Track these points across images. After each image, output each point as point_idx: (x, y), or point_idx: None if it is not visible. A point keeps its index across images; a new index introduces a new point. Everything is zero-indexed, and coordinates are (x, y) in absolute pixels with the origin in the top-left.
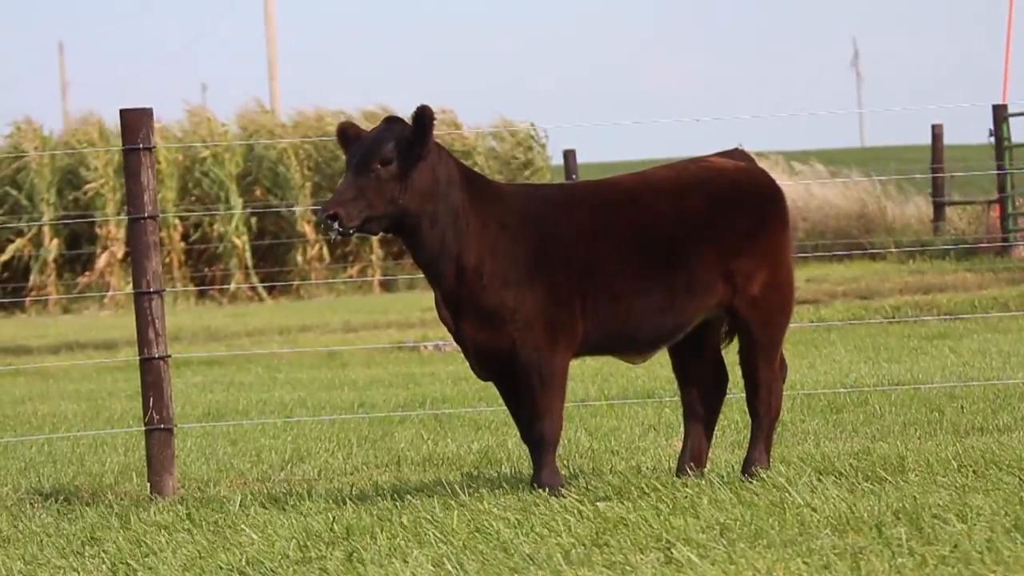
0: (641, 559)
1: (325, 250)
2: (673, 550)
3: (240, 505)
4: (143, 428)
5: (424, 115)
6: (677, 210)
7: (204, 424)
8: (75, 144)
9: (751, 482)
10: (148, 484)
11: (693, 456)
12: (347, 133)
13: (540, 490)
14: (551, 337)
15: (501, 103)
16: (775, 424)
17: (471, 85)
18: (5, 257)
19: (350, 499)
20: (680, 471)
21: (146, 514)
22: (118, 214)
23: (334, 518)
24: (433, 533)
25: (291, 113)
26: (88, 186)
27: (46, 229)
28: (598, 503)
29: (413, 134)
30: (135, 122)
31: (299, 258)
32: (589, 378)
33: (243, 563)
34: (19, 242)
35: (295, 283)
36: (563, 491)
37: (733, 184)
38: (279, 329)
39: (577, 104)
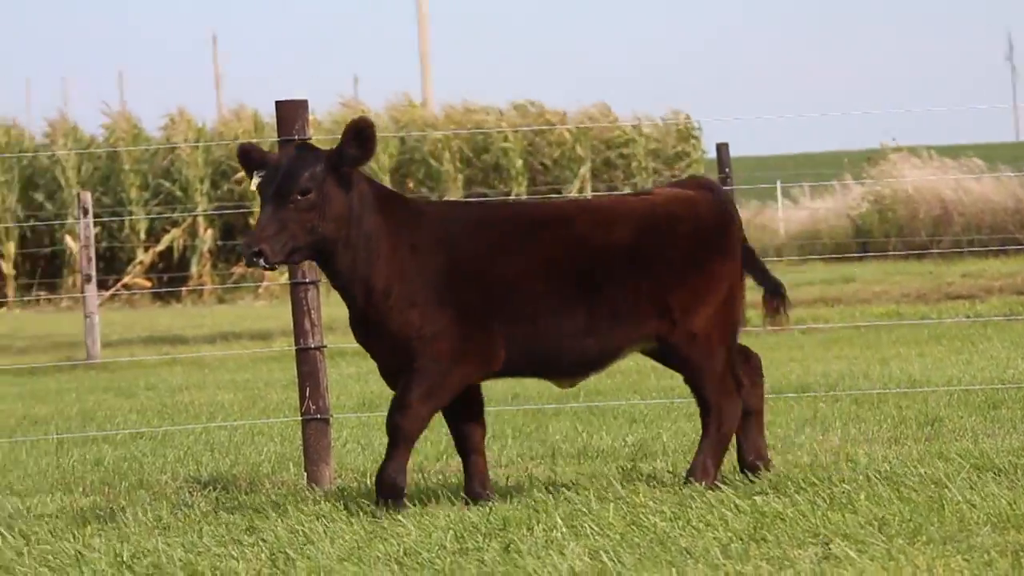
0: (799, 554)
1: None
2: (831, 545)
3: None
4: (299, 418)
5: (365, 128)
6: (603, 237)
7: (360, 414)
8: (229, 136)
9: (685, 490)
10: (305, 474)
11: (753, 451)
12: (250, 156)
13: (379, 483)
14: (457, 353)
15: (656, 95)
16: (723, 441)
17: (625, 76)
18: (161, 247)
19: (506, 491)
20: (744, 469)
21: (303, 504)
22: None
23: (490, 510)
24: (589, 526)
25: (443, 106)
26: (241, 176)
27: (200, 220)
28: (755, 498)
29: (344, 149)
30: (290, 114)
31: None
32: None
33: (400, 553)
34: (174, 232)
35: None
36: (401, 501)
37: (668, 216)
38: None
39: (731, 97)
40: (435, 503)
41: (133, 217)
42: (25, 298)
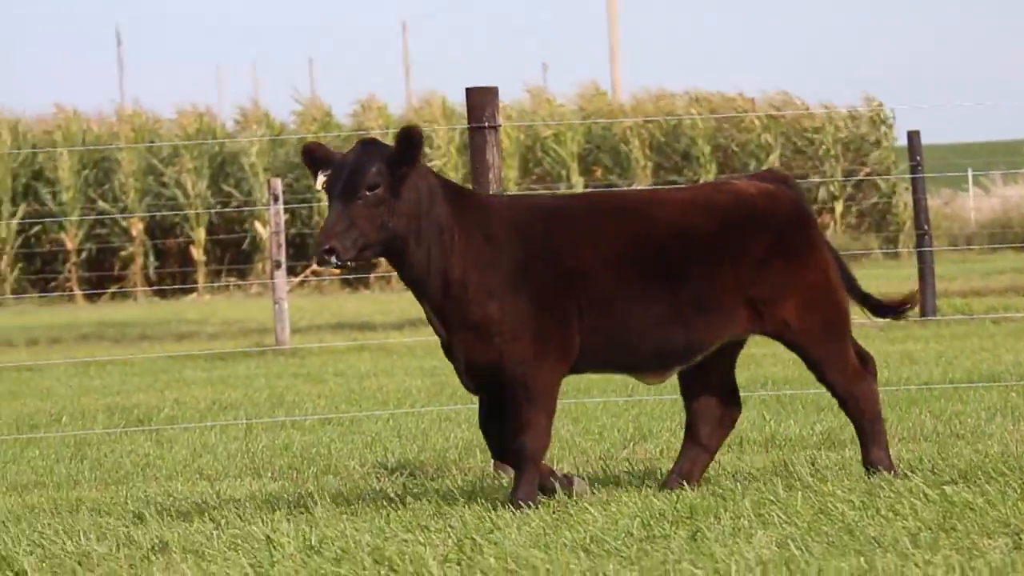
0: (989, 544)
1: None
2: (1022, 536)
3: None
4: None
5: (413, 135)
6: (682, 226)
7: None
8: (418, 122)
9: (873, 479)
10: (491, 460)
11: (683, 475)
12: (314, 155)
13: (513, 508)
14: (538, 350)
15: (845, 81)
16: (879, 422)
17: (812, 63)
18: None
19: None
20: (667, 484)
21: (490, 489)
22: None
23: (677, 497)
24: (777, 514)
25: (632, 94)
26: (431, 164)
27: None
28: (944, 487)
29: (401, 154)
30: (480, 101)
31: None
32: (932, 361)
33: (587, 540)
34: None
35: None
36: (532, 509)
37: (748, 210)
38: None
39: (922, 85)
40: (621, 490)
41: (323, 203)
42: (215, 284)
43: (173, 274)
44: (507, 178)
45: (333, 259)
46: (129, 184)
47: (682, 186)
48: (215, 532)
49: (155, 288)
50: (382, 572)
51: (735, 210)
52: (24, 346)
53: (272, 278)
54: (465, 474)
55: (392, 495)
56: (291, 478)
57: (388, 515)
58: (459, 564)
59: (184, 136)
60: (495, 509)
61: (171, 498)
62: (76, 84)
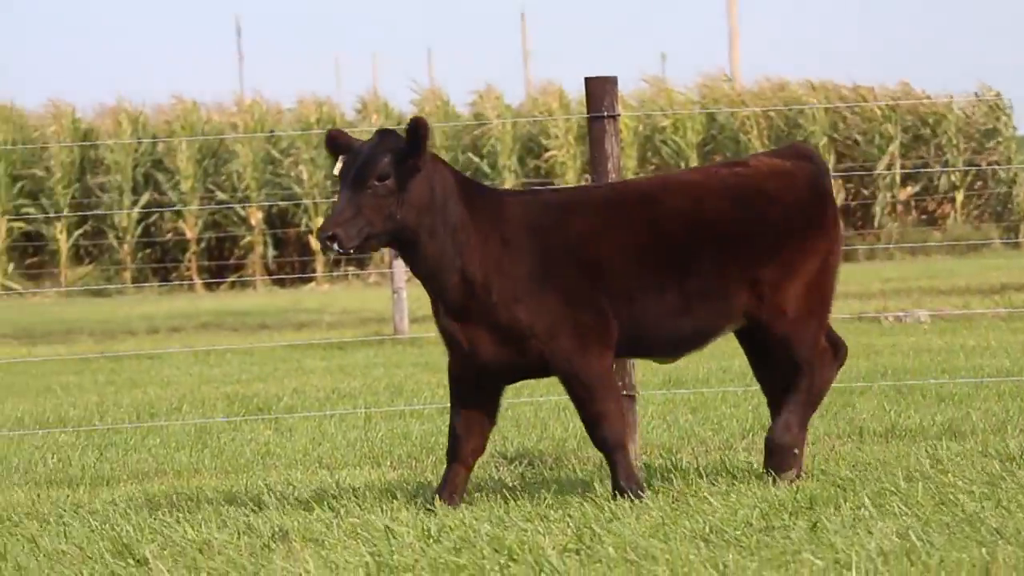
0: None
1: None
2: None
3: (703, 473)
4: None
5: (419, 127)
6: (693, 212)
7: (665, 391)
8: (536, 112)
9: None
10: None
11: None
12: (337, 141)
13: (622, 494)
14: (580, 343)
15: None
16: (810, 409)
17: (930, 53)
18: None
19: (812, 469)
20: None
21: (609, 479)
22: (578, 181)
23: (797, 488)
24: (897, 505)
25: (751, 83)
26: (549, 154)
27: None
28: None
29: (408, 146)
30: (599, 90)
31: None
32: None
33: (706, 530)
34: None
35: None
36: (642, 493)
37: (761, 190)
38: None
39: None
40: (741, 480)
41: None
42: (334, 273)
43: (292, 263)
44: (625, 168)
45: (335, 246)
46: (248, 174)
47: (695, 167)
48: (335, 521)
49: (274, 277)
50: (501, 561)
51: (745, 191)
52: (145, 335)
53: (391, 267)
54: (584, 464)
55: (511, 484)
56: (410, 467)
57: (507, 504)
58: (578, 554)
59: (304, 126)
60: (614, 499)
61: (291, 487)
62: (196, 75)
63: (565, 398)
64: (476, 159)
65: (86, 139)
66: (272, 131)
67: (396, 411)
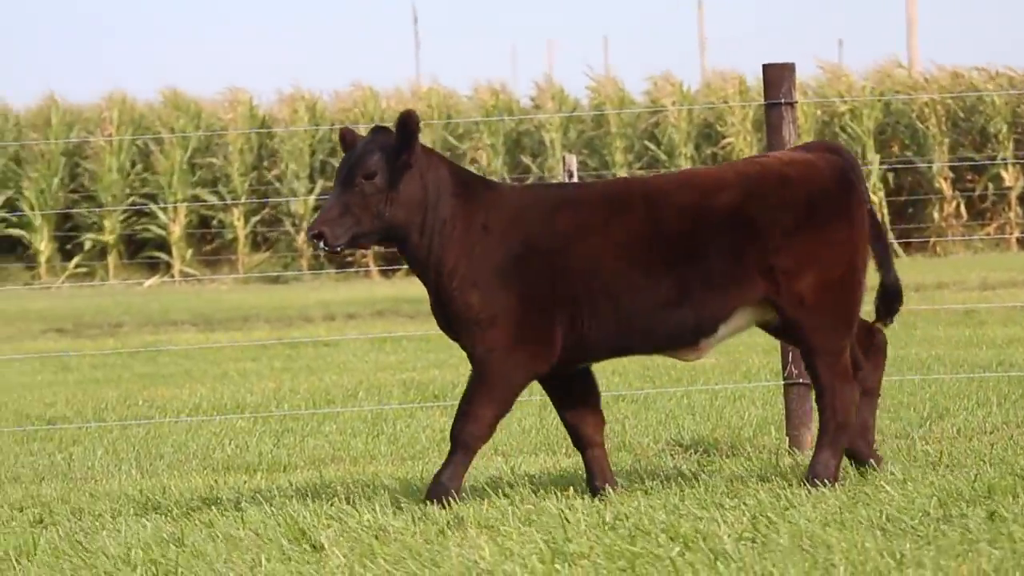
0: None
1: (963, 207)
2: None
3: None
4: (781, 382)
5: (408, 122)
6: (701, 206)
7: None
8: (713, 99)
9: (813, 488)
10: (787, 438)
11: (862, 435)
12: (345, 139)
13: (431, 495)
14: (512, 341)
15: None
16: (842, 432)
17: None
18: None
19: (991, 458)
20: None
21: (785, 468)
22: None
23: (975, 477)
24: None
25: (929, 69)
26: (725, 141)
27: None
28: None
29: (398, 143)
30: (777, 77)
31: (935, 215)
32: None
33: (883, 519)
34: None
35: (931, 239)
36: (454, 499)
37: (778, 179)
38: (915, 286)
39: None
40: (918, 469)
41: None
42: None
43: None
44: None
45: (322, 244)
46: None
47: (715, 166)
48: (510, 508)
49: None
50: (676, 550)
51: (762, 180)
52: (321, 321)
53: None
54: (759, 452)
55: (686, 472)
56: None
57: (683, 492)
58: (753, 542)
59: (480, 112)
60: (790, 487)
61: (466, 473)
62: (373, 62)
63: (741, 385)
64: (652, 147)
65: (263, 127)
66: (449, 117)
67: None
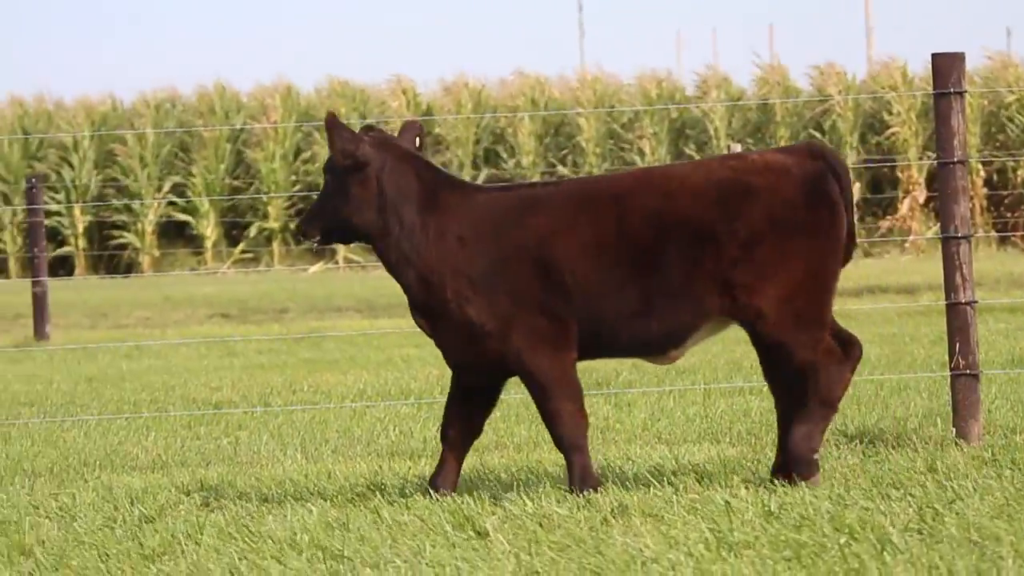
0: None
1: None
2: None
3: None
4: (948, 373)
5: (326, 124)
6: (662, 210)
7: (1009, 371)
8: (878, 88)
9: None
10: (953, 429)
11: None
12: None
13: (578, 495)
14: (530, 342)
15: None
16: (828, 412)
17: None
18: None
19: None
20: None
21: (951, 459)
22: (920, 159)
23: None
24: None
25: None
26: (890, 131)
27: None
28: None
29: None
30: (946, 67)
31: None
32: None
33: None
34: None
35: None
36: (597, 491)
37: (742, 188)
38: None
39: None
40: None
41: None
42: None
43: None
44: (969, 145)
45: (301, 238)
46: (589, 149)
47: (685, 162)
48: (674, 496)
49: None
50: (842, 540)
51: (725, 188)
52: None
53: None
54: (925, 443)
55: (851, 462)
56: (749, 444)
57: (848, 483)
58: (920, 533)
59: (644, 101)
60: (956, 479)
61: (629, 461)
62: (538, 50)
63: (907, 376)
64: (818, 135)
65: (427, 115)
66: (613, 106)
67: (735, 387)
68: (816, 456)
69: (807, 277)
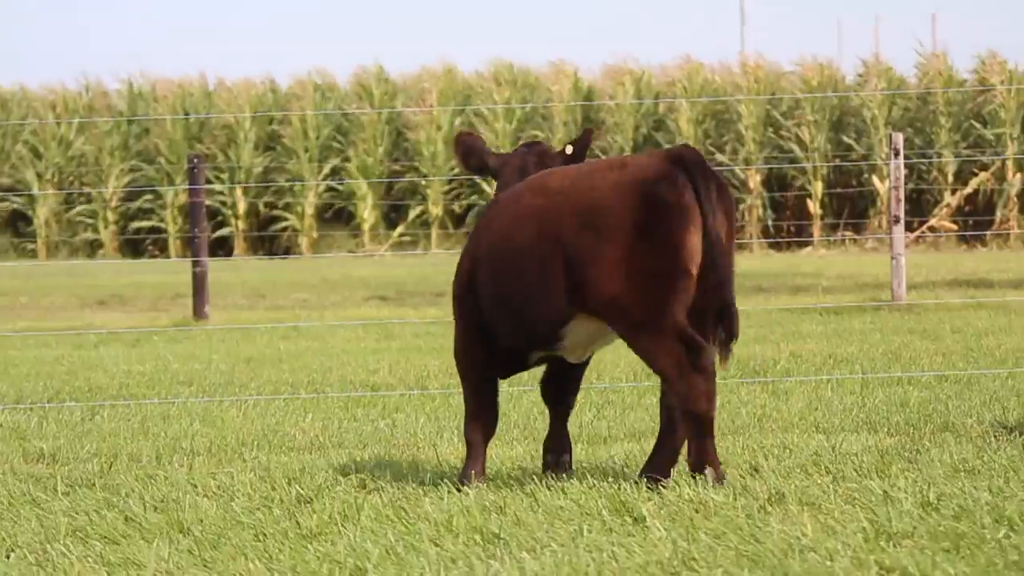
0: None
1: None
2: None
3: None
4: None
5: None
6: (536, 209)
7: None
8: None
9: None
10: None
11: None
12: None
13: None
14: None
15: None
16: (699, 423)
17: None
18: (968, 190)
19: None
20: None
21: None
22: None
23: None
24: None
25: None
26: None
27: (1009, 163)
28: None
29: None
30: None
31: None
32: None
33: None
34: (982, 175)
35: None
36: (469, 486)
37: (592, 190)
38: None
39: None
40: None
41: (942, 160)
42: (831, 238)
43: (789, 226)
44: None
45: None
46: (748, 136)
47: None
48: (832, 485)
49: (770, 240)
50: (1002, 532)
51: (576, 191)
52: None
53: (889, 233)
54: None
55: (1011, 454)
56: (907, 434)
57: (1007, 475)
58: None
59: (805, 89)
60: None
61: (787, 450)
62: (699, 36)
63: None
64: (978, 125)
65: (588, 99)
66: (773, 93)
67: (893, 377)
68: (662, 478)
69: (637, 280)
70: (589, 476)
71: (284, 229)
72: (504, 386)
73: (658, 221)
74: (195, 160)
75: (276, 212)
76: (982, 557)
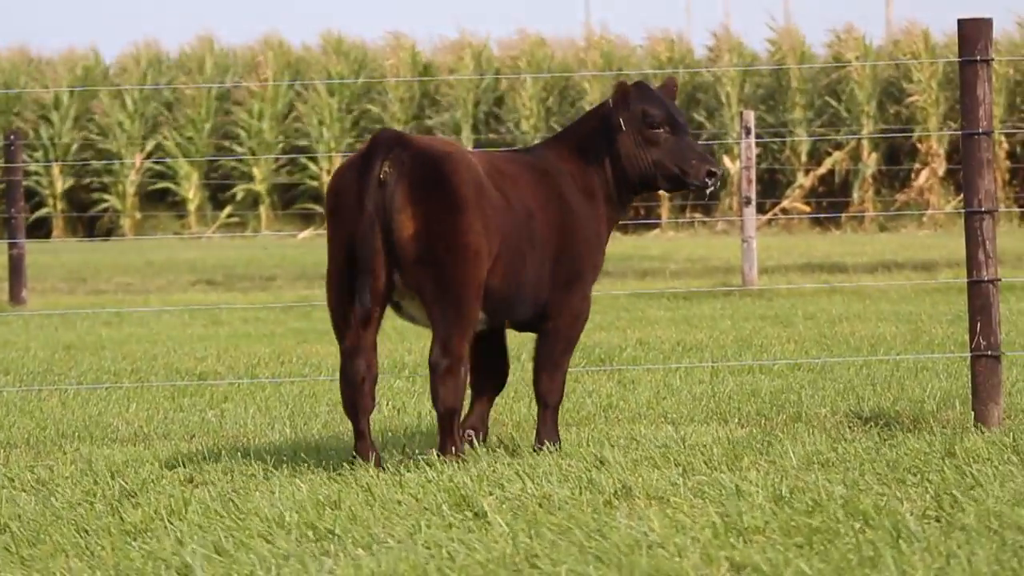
0: None
1: None
2: None
3: None
4: (968, 354)
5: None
6: None
7: None
8: (898, 55)
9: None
10: (972, 413)
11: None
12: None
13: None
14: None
15: None
16: (444, 421)
17: None
18: (822, 170)
19: None
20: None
21: (970, 444)
22: (940, 129)
23: None
24: None
25: None
26: (910, 99)
27: (865, 143)
28: None
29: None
30: (973, 33)
31: None
32: None
33: None
34: (836, 155)
35: None
36: (461, 456)
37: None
38: None
39: None
40: None
41: (796, 138)
42: (679, 220)
43: (636, 208)
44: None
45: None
46: None
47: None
48: (680, 478)
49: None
50: (856, 526)
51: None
52: None
53: (740, 215)
54: (943, 427)
55: (866, 445)
56: (759, 425)
57: (863, 467)
58: (938, 521)
59: (654, 64)
60: (975, 464)
61: (634, 441)
62: (542, 9)
63: (924, 356)
64: (834, 103)
65: (425, 74)
66: (620, 69)
67: (744, 366)
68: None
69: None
70: (427, 469)
71: (105, 210)
72: (334, 373)
73: (329, 208)
74: (11, 137)
75: (95, 193)
76: (836, 552)
